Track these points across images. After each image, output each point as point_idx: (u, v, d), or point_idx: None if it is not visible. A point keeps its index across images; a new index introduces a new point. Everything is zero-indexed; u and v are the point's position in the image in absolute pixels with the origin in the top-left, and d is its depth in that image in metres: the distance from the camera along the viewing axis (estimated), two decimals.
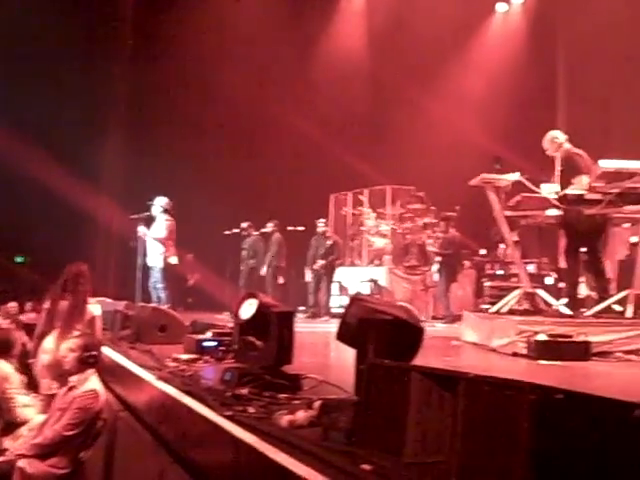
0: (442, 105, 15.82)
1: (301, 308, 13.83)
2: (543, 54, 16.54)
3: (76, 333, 5.78)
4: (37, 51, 15.01)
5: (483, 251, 14.02)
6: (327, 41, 17.25)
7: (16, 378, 5.97)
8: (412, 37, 15.83)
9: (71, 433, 4.94)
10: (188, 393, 3.78)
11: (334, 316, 13.04)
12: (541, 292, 7.88)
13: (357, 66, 16.72)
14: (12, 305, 11.44)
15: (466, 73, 16.52)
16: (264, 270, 13.78)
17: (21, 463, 4.83)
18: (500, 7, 17.68)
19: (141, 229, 10.64)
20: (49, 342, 6.05)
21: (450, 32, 16.02)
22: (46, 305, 6.51)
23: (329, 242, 13.50)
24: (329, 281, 13.48)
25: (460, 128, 15.34)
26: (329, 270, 13.45)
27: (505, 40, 17.17)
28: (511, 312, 7.70)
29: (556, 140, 7.50)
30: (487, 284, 12.48)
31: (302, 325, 11.14)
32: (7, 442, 5.56)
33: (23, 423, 5.75)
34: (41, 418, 5.47)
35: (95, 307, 6.76)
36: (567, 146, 7.47)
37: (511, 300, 7.93)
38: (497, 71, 16.27)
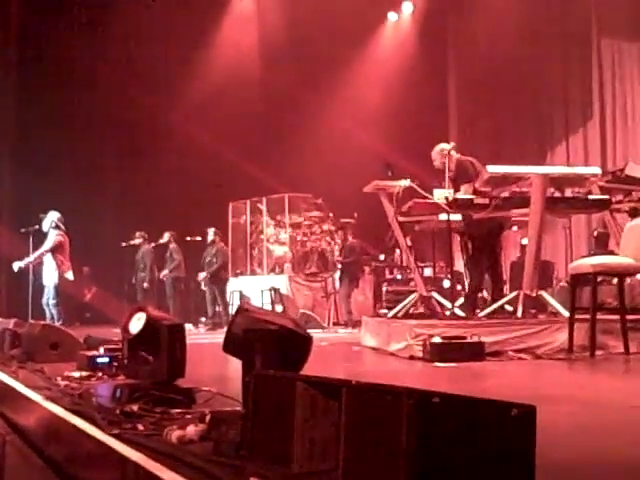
0: (336, 112, 16.01)
1: (202, 319, 13.71)
2: (434, 62, 17.02)
3: None
4: None
5: (382, 256, 14.26)
6: (219, 46, 17.12)
7: None
8: (305, 43, 15.96)
9: None
10: (76, 412, 3.67)
11: None
12: (436, 295, 8.08)
13: (250, 72, 16.67)
14: None
15: (360, 80, 16.77)
16: (165, 278, 13.62)
17: None
18: (391, 16, 18.04)
19: (15, 265, 10.53)
20: None
21: (343, 39, 16.22)
22: None
23: (213, 251, 13.47)
24: (220, 290, 13.41)
25: (354, 135, 15.57)
26: (216, 279, 13.39)
27: (397, 48, 17.55)
28: (408, 316, 7.87)
29: (444, 151, 7.71)
30: (384, 289, 12.70)
31: (203, 336, 11.05)
32: None
33: None
34: None
35: None
36: (456, 155, 7.70)
37: (407, 304, 8.10)
38: (390, 78, 16.61)
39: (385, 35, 17.98)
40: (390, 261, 13.87)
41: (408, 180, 7.50)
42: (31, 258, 10.54)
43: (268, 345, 2.69)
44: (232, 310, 13.68)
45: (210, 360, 6.88)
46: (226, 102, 15.91)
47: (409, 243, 8.51)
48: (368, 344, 7.86)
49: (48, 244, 10.49)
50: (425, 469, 1.82)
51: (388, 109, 15.97)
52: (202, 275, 13.46)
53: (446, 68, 17.98)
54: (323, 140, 15.58)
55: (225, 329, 9.74)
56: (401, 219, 7.75)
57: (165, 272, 13.64)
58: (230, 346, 2.91)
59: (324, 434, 2.22)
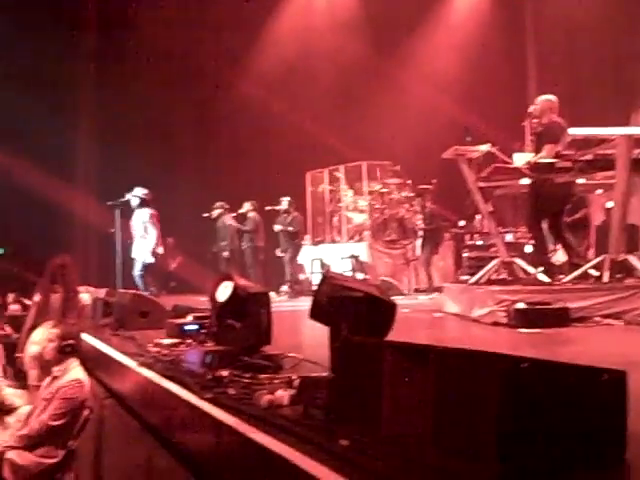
0: (413, 78, 15.80)
1: (283, 287, 13.88)
2: (511, 24, 16.56)
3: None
4: (3, 46, 14.95)
5: (462, 222, 14.12)
6: (290, 16, 17.11)
7: None
8: (379, 10, 15.78)
9: (57, 423, 4.97)
10: (169, 377, 3.82)
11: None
12: (519, 261, 7.96)
13: (325, 40, 16.58)
14: None
15: (436, 45, 16.50)
16: (244, 248, 13.79)
17: (10, 455, 4.86)
18: None
19: (147, 257, 10.57)
20: (38, 334, 6.08)
21: (417, 4, 15.96)
22: (36, 298, 6.54)
23: (288, 219, 13.53)
24: (293, 257, 13.46)
25: (432, 100, 15.34)
26: (290, 246, 13.45)
27: (473, 11, 17.12)
28: (490, 282, 7.79)
29: (547, 102, 7.53)
30: (465, 255, 12.57)
31: (285, 304, 11.21)
32: None
33: (10, 409, 5.79)
34: (28, 409, 5.52)
35: (85, 296, 6.78)
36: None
37: (489, 270, 8.02)
38: (467, 42, 16.25)
39: None
40: (471, 227, 13.71)
41: (488, 145, 7.38)
42: (150, 248, 10.58)
43: (354, 312, 2.74)
44: (313, 278, 13.82)
45: (293, 327, 7.01)
46: (302, 71, 15.95)
47: (490, 209, 8.39)
48: (450, 310, 7.84)
49: (153, 228, 10.60)
50: (515, 433, 1.84)
51: (466, 73, 15.67)
52: (277, 227, 13.54)
53: (524, 30, 17.48)
54: (400, 107, 15.43)
55: (304, 297, 9.89)
56: (481, 184, 7.65)
57: (252, 242, 13.73)
58: (317, 313, 2.97)
59: (412, 398, 2.25)
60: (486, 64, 15.60)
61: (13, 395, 6.09)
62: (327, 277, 3.01)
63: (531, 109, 7.57)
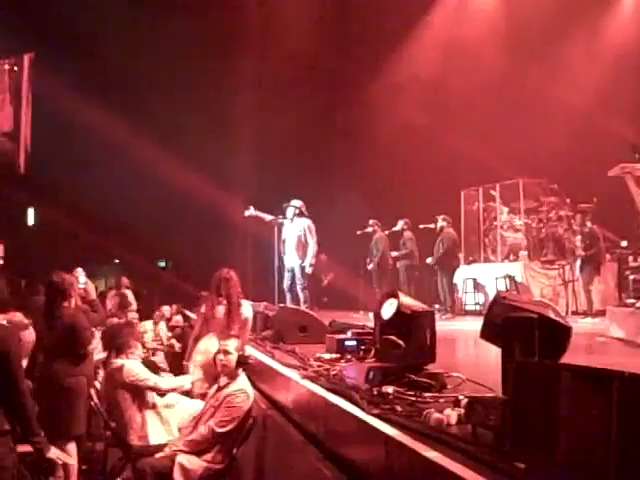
0: (569, 91, 15.19)
1: (436, 306, 13.76)
2: None
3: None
4: (169, 60, 15.97)
5: (624, 243, 13.47)
6: (435, 29, 17.07)
7: (139, 367, 6.22)
8: (526, 19, 15.41)
9: (223, 430, 5.20)
10: (334, 391, 3.90)
11: (468, 313, 12.91)
12: None
13: (472, 54, 16.27)
14: (166, 309, 12.06)
15: (593, 55, 15.78)
16: (398, 265, 13.78)
17: (180, 458, 5.12)
18: None
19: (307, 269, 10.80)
20: (204, 344, 6.40)
21: (568, 12, 15.40)
22: (202, 310, 6.88)
23: (441, 237, 13.35)
24: (448, 276, 13.22)
25: (591, 115, 14.70)
26: (442, 265, 13.23)
27: (635, 17, 16.23)
28: None
29: None
30: (631, 277, 11.96)
31: (440, 324, 11.11)
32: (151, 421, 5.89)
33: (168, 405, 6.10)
34: (187, 409, 5.83)
35: (247, 309, 7.02)
36: None
37: None
38: (630, 51, 15.39)
39: (624, 6, 16.70)
40: (636, 248, 13.02)
41: None
42: (310, 257, 10.82)
43: (528, 333, 2.70)
44: (466, 298, 13.62)
45: (452, 346, 6.96)
46: (457, 89, 15.79)
47: None
48: (614, 335, 7.52)
49: (312, 238, 10.83)
50: None
51: (631, 85, 14.89)
52: (429, 260, 13.46)
53: None
54: (559, 122, 14.92)
55: (458, 316, 9.72)
56: None
57: (395, 254, 13.77)
58: (488, 333, 2.95)
59: (591, 425, 2.19)
60: None
61: (171, 402, 6.40)
62: (499, 297, 2.98)
63: None
